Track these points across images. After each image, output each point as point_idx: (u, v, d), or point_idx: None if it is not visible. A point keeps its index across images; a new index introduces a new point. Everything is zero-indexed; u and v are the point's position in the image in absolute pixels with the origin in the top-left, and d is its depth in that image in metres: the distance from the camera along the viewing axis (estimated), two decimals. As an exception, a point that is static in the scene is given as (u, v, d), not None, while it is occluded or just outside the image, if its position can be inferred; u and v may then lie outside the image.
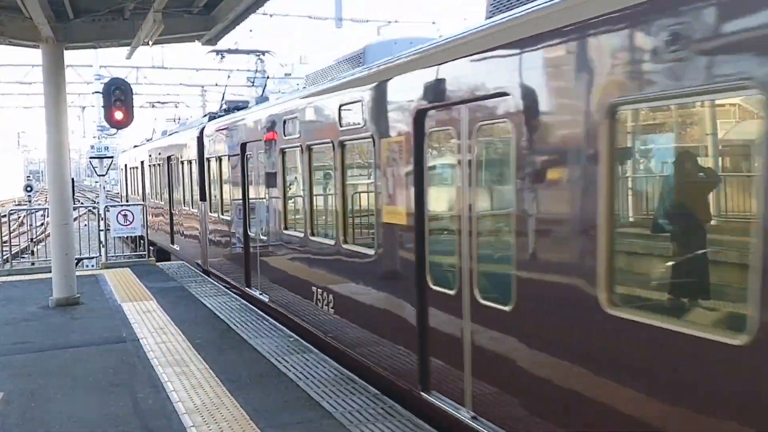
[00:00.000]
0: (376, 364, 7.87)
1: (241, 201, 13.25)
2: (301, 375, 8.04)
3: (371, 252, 7.95)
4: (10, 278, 15.61)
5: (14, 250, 24.30)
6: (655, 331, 4.15)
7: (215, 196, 15.49)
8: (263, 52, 22.63)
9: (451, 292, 6.35)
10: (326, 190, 9.58)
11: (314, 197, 9.89)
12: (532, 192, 5.22)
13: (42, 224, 30.83)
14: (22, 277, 15.71)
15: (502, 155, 5.88)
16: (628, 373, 4.38)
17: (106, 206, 20.28)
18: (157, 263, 18.31)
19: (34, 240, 27.37)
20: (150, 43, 11.84)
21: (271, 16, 28.19)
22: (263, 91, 18.69)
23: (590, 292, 4.61)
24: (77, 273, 13.51)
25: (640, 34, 4.25)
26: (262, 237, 12.21)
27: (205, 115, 19.84)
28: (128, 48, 12.98)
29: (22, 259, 21.18)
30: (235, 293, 13.40)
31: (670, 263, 4.54)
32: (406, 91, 7.07)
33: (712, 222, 4.23)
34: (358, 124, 8.16)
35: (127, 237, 22.82)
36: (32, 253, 23.98)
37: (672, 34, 3.97)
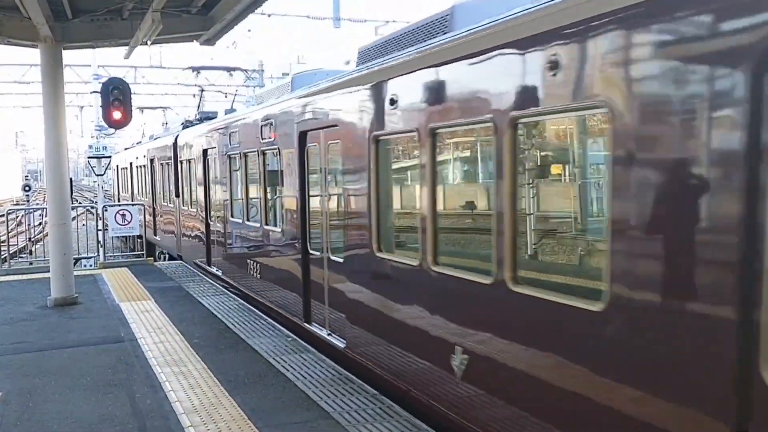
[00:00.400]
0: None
1: (203, 197, 16.11)
2: (299, 375, 8.05)
3: (278, 229, 11.20)
4: (8, 278, 15.61)
5: (12, 249, 24.32)
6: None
7: (187, 193, 18.17)
8: (233, 69, 27.37)
9: (319, 254, 9.51)
10: (256, 186, 12.36)
11: (249, 192, 12.95)
12: (360, 188, 8.04)
13: (40, 224, 30.81)
14: (20, 277, 15.70)
15: (340, 165, 8.64)
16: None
17: (104, 206, 20.28)
18: (155, 263, 18.32)
19: (33, 239, 27.35)
20: (148, 42, 11.85)
21: (269, 16, 28.20)
22: (232, 104, 21.57)
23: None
24: (75, 273, 13.51)
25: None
26: (218, 225, 15.11)
27: (181, 123, 22.26)
28: (126, 48, 12.98)
29: (20, 259, 21.18)
30: (200, 272, 16.31)
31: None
32: (293, 118, 10.19)
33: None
34: (271, 138, 11.23)
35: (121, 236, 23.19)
36: (30, 252, 23.98)
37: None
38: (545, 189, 5.72)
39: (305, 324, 10.05)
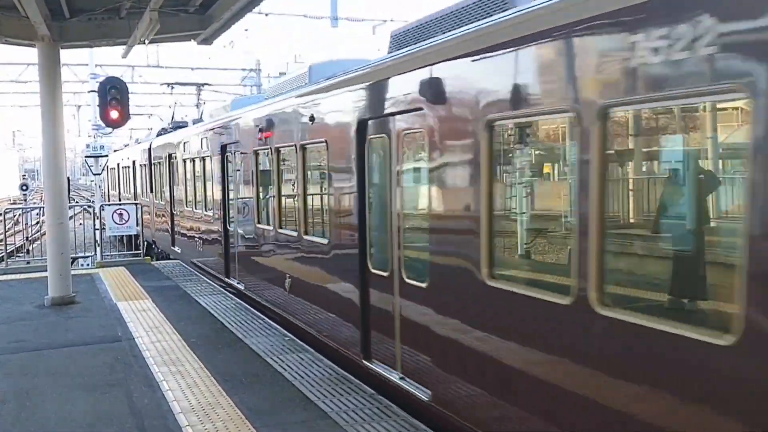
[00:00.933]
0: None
1: (168, 192, 19.92)
2: (297, 374, 8.05)
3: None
4: (5, 277, 15.59)
5: (10, 249, 24.28)
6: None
7: (158, 190, 22.02)
8: (203, 84, 32.00)
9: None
10: (212, 184, 15.19)
11: (206, 189, 15.80)
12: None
13: (37, 223, 30.77)
14: (18, 276, 15.69)
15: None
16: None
17: (101, 205, 20.26)
18: (153, 262, 18.31)
19: (30, 239, 27.32)
20: (146, 42, 11.84)
21: (266, 15, 28.16)
22: (200, 115, 25.60)
23: None
24: (73, 272, 13.50)
25: None
26: (178, 215, 18.91)
27: (158, 131, 26.24)
28: (124, 47, 12.97)
29: (17, 258, 21.16)
30: (166, 254, 20.67)
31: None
32: (218, 134, 14.14)
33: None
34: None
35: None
36: (28, 252, 23.92)
37: None
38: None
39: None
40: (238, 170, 13.18)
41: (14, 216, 35.17)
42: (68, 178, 14.39)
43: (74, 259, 17.95)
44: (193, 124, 21.38)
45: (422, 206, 6.86)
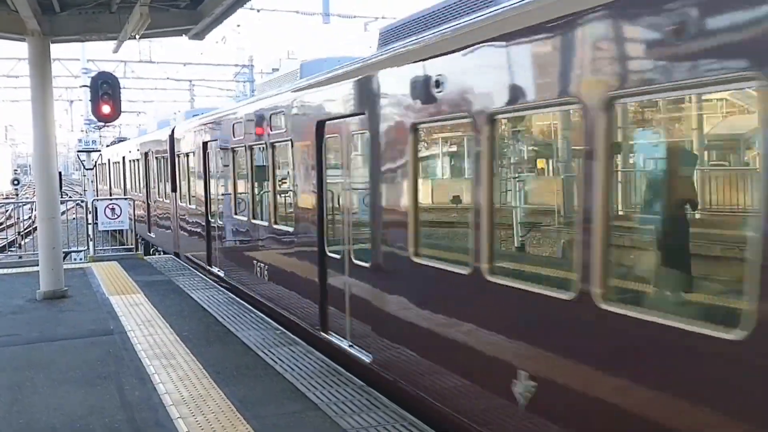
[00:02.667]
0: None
1: (124, 187, 27.36)
2: (287, 367, 8.11)
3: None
4: (-3, 272, 15.59)
5: (2, 243, 24.27)
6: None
7: (119, 183, 29.67)
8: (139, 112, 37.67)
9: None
10: (158, 180, 20.28)
11: (150, 184, 21.29)
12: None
13: (29, 218, 30.71)
14: (10, 271, 15.68)
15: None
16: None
17: (93, 200, 20.25)
18: (145, 257, 18.33)
19: (22, 233, 27.26)
20: (137, 37, 11.83)
21: (258, 11, 28.12)
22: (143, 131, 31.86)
23: None
24: (65, 266, 13.51)
25: None
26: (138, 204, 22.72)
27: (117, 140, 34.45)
28: (115, 42, 12.97)
29: (9, 253, 21.13)
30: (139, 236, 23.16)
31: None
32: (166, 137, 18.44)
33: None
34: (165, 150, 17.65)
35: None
36: (20, 246, 23.89)
37: None
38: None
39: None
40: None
41: (6, 211, 35.12)
42: (60, 173, 14.36)
43: (67, 254, 17.95)
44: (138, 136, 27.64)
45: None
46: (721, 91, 4.03)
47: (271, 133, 11.02)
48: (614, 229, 4.53)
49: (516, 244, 6.27)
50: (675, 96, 4.20)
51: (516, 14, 5.34)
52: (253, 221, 12.07)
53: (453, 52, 6.12)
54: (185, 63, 40.37)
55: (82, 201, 20.39)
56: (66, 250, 17.47)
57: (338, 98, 8.51)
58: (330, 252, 8.98)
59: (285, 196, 11.07)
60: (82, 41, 15.08)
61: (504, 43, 5.46)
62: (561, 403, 4.90)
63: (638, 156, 5.17)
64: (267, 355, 8.61)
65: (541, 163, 6.39)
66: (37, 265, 12.80)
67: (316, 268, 9.22)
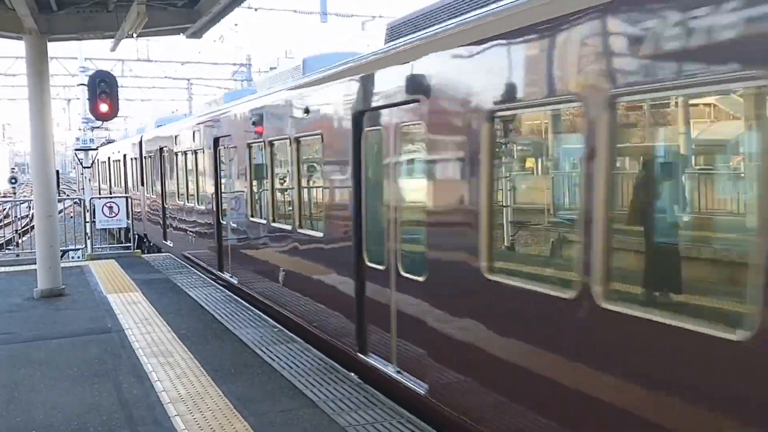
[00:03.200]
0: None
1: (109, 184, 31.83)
2: (285, 364, 8.12)
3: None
4: (-6, 270, 15.60)
5: (0, 242, 24.24)
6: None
7: (106, 180, 34.05)
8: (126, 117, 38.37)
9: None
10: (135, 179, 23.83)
11: (128, 182, 25.05)
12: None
13: (27, 216, 30.69)
14: (7, 269, 15.68)
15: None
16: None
17: (91, 198, 20.25)
18: (143, 255, 18.34)
19: (19, 232, 27.22)
20: (134, 35, 11.83)
21: (256, 10, 28.11)
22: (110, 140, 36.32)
23: None
24: (63, 264, 13.51)
25: None
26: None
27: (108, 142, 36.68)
28: (112, 40, 12.96)
29: (7, 251, 21.11)
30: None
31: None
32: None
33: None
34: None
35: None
36: (17, 244, 23.87)
37: None
38: None
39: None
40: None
41: (4, 209, 35.09)
42: (58, 171, 14.36)
43: (64, 252, 17.95)
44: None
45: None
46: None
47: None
48: None
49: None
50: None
51: None
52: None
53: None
54: (183, 62, 40.27)
55: (80, 199, 20.38)
56: (63, 248, 17.48)
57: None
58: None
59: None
60: (80, 40, 15.08)
61: None
62: None
63: None
64: (264, 352, 8.63)
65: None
66: (35, 263, 12.80)
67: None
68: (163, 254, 18.81)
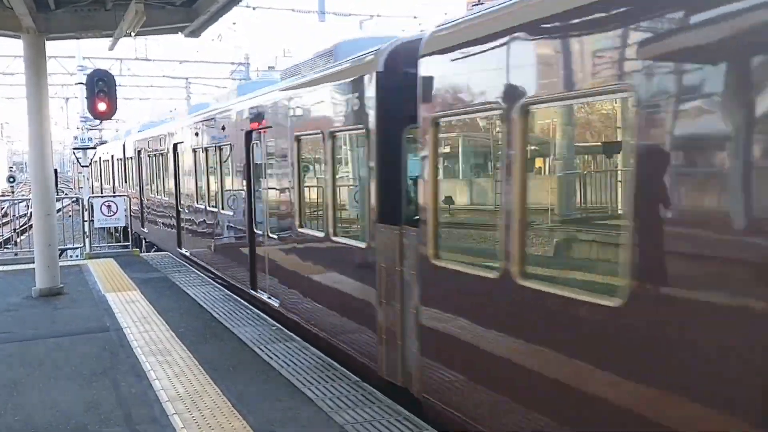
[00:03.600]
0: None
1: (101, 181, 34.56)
2: (283, 363, 8.14)
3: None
4: (-7, 269, 15.59)
5: (-3, 241, 24.18)
6: None
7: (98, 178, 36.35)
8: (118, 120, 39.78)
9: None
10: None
11: (115, 181, 28.78)
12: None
13: (25, 215, 30.67)
14: (5, 268, 15.68)
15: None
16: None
17: (90, 197, 20.26)
18: (141, 254, 18.34)
19: (18, 230, 27.22)
20: (132, 34, 11.84)
21: (254, 9, 28.11)
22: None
23: None
24: (61, 263, 13.51)
25: None
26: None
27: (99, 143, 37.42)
28: (111, 39, 12.96)
29: (5, 250, 21.10)
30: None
31: None
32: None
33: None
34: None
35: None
36: (15, 243, 23.88)
37: None
38: None
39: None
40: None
41: (2, 208, 35.08)
42: (56, 170, 14.36)
43: (63, 251, 17.95)
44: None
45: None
46: None
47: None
48: None
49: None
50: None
51: None
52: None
53: None
54: (181, 61, 40.24)
55: (78, 198, 20.39)
56: (62, 247, 17.47)
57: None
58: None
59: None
60: (78, 38, 15.07)
61: None
62: None
63: None
64: (263, 351, 8.64)
65: None
66: (33, 262, 12.81)
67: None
68: (162, 253, 18.82)
